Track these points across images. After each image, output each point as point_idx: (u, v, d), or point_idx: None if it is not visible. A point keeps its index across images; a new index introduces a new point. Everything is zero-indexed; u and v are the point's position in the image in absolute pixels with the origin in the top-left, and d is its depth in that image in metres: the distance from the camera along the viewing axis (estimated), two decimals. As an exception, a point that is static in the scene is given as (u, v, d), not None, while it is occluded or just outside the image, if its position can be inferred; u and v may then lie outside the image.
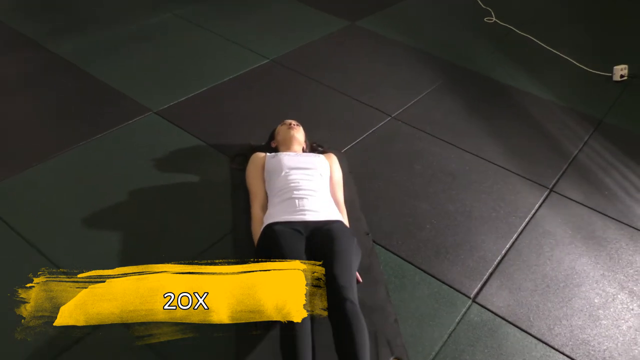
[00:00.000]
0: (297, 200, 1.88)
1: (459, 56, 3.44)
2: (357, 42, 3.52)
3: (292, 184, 1.94)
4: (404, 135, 2.66)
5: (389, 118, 2.78)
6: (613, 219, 2.25)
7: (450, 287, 1.89)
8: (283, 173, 1.99)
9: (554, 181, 2.43)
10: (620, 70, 3.28)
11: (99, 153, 2.36)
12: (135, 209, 2.09)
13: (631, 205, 2.33)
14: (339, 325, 1.51)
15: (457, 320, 1.78)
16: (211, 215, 2.08)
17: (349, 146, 2.53)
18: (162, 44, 3.24)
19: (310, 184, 1.96)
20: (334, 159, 2.21)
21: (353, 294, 1.59)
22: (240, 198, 2.13)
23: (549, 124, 2.85)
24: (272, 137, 2.34)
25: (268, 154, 2.15)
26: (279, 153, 2.13)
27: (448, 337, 1.72)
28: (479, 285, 1.91)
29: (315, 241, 1.76)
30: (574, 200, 2.33)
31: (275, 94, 2.88)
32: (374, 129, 2.68)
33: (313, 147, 2.36)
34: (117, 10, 3.62)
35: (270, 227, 1.80)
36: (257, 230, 1.90)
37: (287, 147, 2.23)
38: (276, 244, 1.74)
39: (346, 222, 1.96)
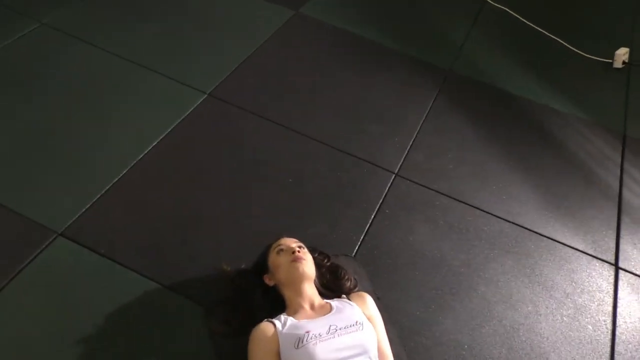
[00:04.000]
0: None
1: (436, 51, 2.74)
2: (310, 44, 2.64)
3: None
4: (418, 204, 1.99)
5: (393, 176, 2.07)
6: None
7: None
8: (319, 374, 1.27)
9: (614, 249, 1.95)
10: (623, 56, 2.79)
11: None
12: None
13: None
14: None
15: None
16: None
17: (360, 240, 1.83)
18: (34, 90, 2.13)
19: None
20: (370, 304, 1.51)
21: None
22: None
23: (571, 144, 2.33)
24: (262, 267, 1.57)
25: (278, 325, 1.39)
26: (297, 328, 1.36)
27: None
28: None
29: None
30: (646, 280, 1.88)
31: (230, 162, 2.02)
32: (380, 202, 1.97)
33: (319, 263, 1.63)
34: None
35: None
36: None
37: (296, 291, 1.48)
38: None
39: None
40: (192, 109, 2.16)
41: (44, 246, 1.63)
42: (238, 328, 1.48)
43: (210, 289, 1.59)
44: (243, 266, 1.65)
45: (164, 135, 2.03)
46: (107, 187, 1.82)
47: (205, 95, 2.23)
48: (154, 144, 1.99)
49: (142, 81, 2.23)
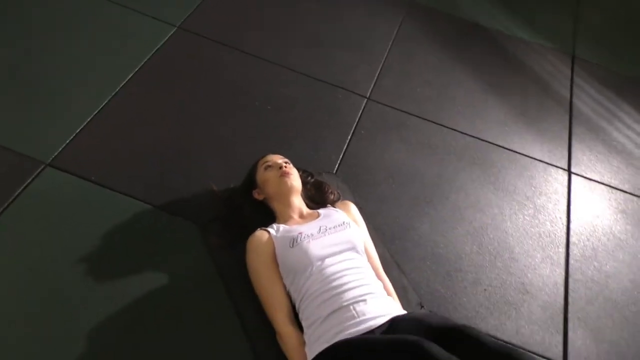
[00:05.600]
0: (352, 307, 1.34)
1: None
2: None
3: (334, 283, 1.37)
4: (391, 125, 2.11)
5: (366, 100, 2.18)
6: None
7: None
8: (314, 268, 1.40)
9: (567, 156, 2.15)
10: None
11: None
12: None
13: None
14: None
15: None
16: (211, 340, 1.44)
17: (339, 159, 1.94)
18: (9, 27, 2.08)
19: (357, 275, 1.41)
20: (354, 211, 1.65)
21: None
22: (246, 305, 1.49)
23: (528, 63, 2.51)
24: (251, 182, 1.66)
25: (272, 232, 1.50)
26: (290, 231, 1.48)
27: None
28: (562, 350, 1.63)
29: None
30: (595, 181, 2.09)
31: (208, 92, 2.06)
32: (355, 124, 2.08)
33: (303, 180, 1.73)
34: None
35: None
36: (298, 357, 1.36)
37: (285, 203, 1.60)
38: None
39: (397, 300, 1.51)
40: (163, 41, 2.16)
41: (32, 177, 1.65)
42: (233, 240, 1.58)
43: (202, 208, 1.67)
44: (232, 186, 1.74)
45: (137, 69, 2.03)
46: (88, 119, 1.83)
47: (175, 28, 2.22)
48: (129, 77, 2.00)
49: (108, 14, 2.20)
